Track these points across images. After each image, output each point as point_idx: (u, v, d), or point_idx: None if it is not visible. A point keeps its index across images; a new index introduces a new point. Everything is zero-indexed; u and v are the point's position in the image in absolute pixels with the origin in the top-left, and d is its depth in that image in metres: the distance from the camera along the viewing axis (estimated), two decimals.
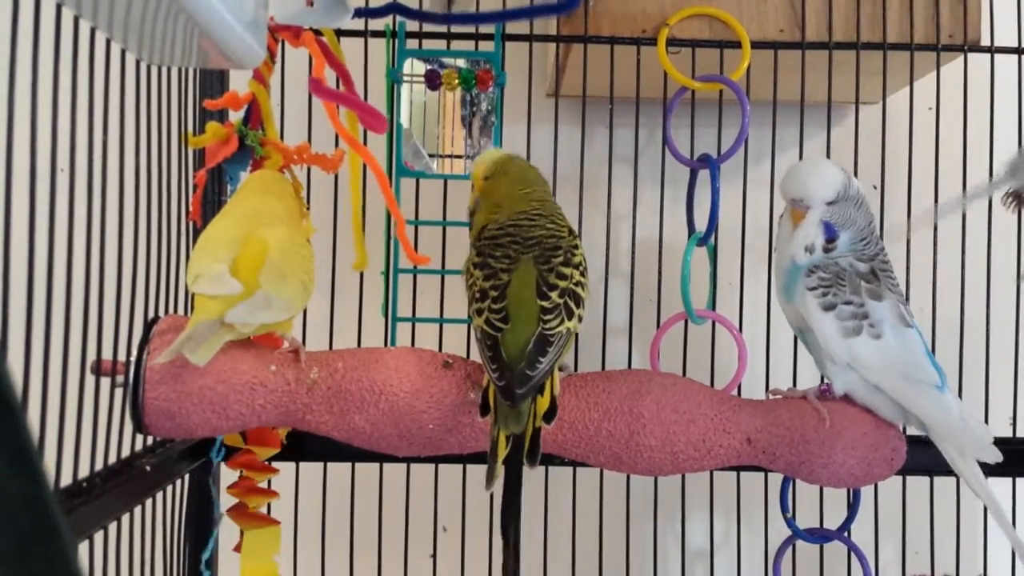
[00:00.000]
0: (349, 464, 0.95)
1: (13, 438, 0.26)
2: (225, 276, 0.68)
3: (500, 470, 0.69)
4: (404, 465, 0.96)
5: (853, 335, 0.77)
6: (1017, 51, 0.98)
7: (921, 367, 0.77)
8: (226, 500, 0.88)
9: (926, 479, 0.95)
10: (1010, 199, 0.90)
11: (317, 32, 0.81)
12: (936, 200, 0.96)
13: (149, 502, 0.77)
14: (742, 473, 0.97)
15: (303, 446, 0.90)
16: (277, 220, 0.74)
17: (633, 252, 0.97)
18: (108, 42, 0.67)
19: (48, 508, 0.27)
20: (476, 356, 0.76)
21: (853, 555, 0.93)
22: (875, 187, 0.97)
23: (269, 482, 0.89)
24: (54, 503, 0.27)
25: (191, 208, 0.84)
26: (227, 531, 0.90)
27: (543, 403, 0.71)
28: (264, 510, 0.89)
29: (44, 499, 0.27)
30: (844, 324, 0.78)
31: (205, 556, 0.87)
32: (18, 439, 0.26)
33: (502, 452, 0.69)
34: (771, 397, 0.83)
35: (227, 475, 0.91)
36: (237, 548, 0.88)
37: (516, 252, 0.76)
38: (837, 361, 0.78)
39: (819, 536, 0.93)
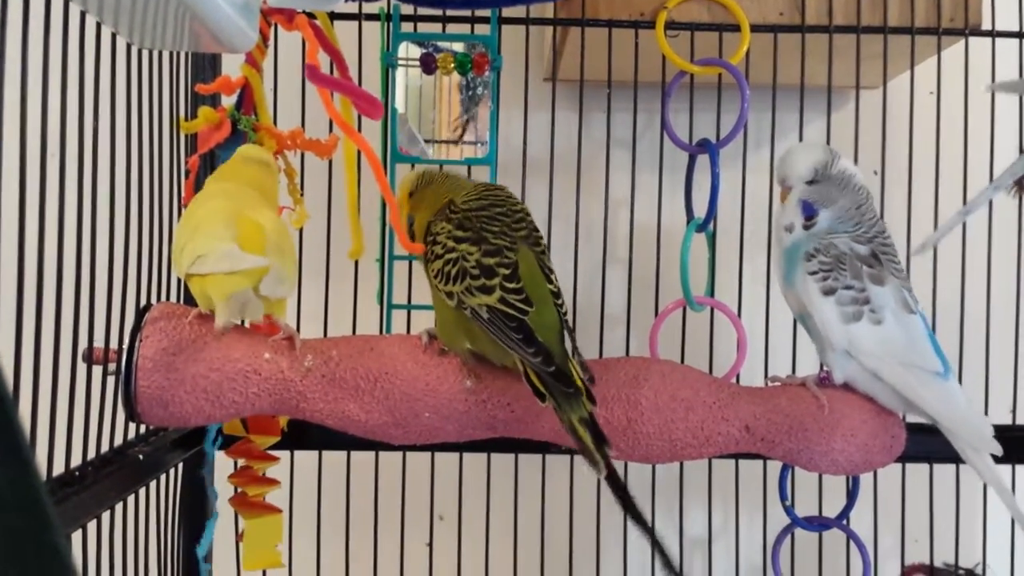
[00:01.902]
0: (345, 453, 0.95)
1: (3, 429, 0.26)
2: (239, 252, 0.67)
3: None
4: (400, 454, 0.95)
5: (853, 320, 0.76)
6: (1018, 35, 0.97)
7: (922, 354, 0.76)
8: (225, 489, 0.88)
9: (925, 466, 0.95)
10: (1012, 186, 0.90)
11: (310, 15, 0.80)
12: (936, 185, 0.95)
13: (142, 491, 0.77)
14: (740, 461, 0.97)
15: (299, 435, 0.90)
16: (259, 203, 0.74)
17: (631, 238, 0.96)
18: (99, 26, 0.67)
19: (39, 501, 0.27)
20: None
21: (852, 543, 0.93)
22: (875, 172, 0.96)
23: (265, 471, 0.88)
24: (45, 496, 0.27)
25: (184, 193, 0.83)
26: (223, 521, 0.89)
27: (577, 377, 0.69)
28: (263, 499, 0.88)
29: (35, 492, 0.27)
30: (844, 309, 0.77)
31: (202, 552, 0.86)
32: (8, 432, 0.26)
33: (586, 437, 0.66)
34: (770, 384, 0.82)
35: (222, 466, 0.90)
36: (240, 538, 0.87)
37: (512, 231, 0.74)
38: (836, 347, 0.77)
39: (818, 524, 0.93)
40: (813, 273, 0.78)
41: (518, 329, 0.68)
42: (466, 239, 0.73)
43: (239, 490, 0.86)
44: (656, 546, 0.69)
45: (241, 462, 0.87)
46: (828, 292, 0.77)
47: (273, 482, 0.87)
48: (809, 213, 0.80)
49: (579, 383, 0.68)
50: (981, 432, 0.76)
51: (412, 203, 0.80)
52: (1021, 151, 0.95)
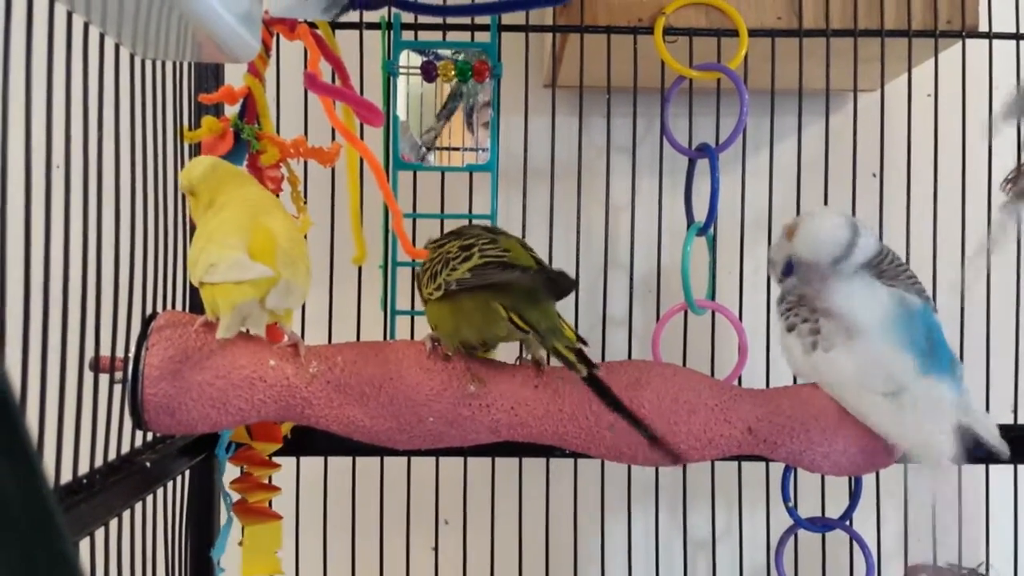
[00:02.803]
0: (350, 458, 0.95)
1: (11, 438, 0.26)
2: (247, 261, 0.67)
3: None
4: (405, 458, 0.96)
5: (812, 350, 0.79)
6: (1015, 37, 0.98)
7: (871, 377, 0.76)
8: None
9: None
10: (1008, 185, 0.90)
11: (312, 24, 0.80)
12: (936, 186, 0.96)
13: (150, 498, 0.77)
14: (743, 463, 0.97)
15: (304, 440, 0.90)
16: (273, 207, 0.74)
17: (632, 243, 0.96)
18: (102, 37, 0.67)
19: (48, 508, 0.27)
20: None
21: (855, 544, 0.93)
22: (874, 175, 0.97)
23: (270, 477, 0.89)
24: (54, 503, 0.27)
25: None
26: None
27: (568, 331, 0.71)
28: (266, 505, 0.88)
29: (44, 499, 0.27)
30: (803, 341, 0.79)
31: (219, 554, 0.86)
32: (16, 439, 0.26)
33: (571, 355, 0.68)
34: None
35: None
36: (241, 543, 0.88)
37: (490, 232, 0.76)
38: (804, 378, 0.80)
39: (821, 525, 0.93)
40: (781, 315, 0.83)
41: (496, 266, 0.70)
42: (447, 241, 0.76)
43: (240, 496, 0.87)
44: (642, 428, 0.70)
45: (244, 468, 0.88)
46: (790, 329, 0.81)
47: (274, 488, 0.88)
48: (786, 272, 0.84)
49: (573, 336, 0.70)
50: (929, 447, 0.74)
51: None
52: (1018, 152, 0.95)
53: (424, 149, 0.99)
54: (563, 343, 0.69)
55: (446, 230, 0.95)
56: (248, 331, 0.73)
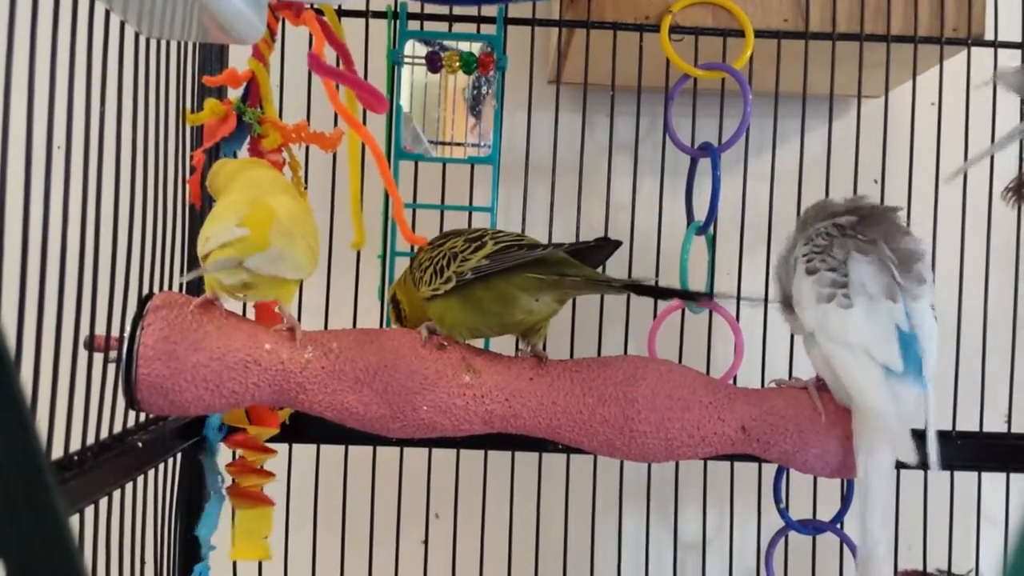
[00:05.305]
0: (342, 447, 0.95)
1: (2, 394, 0.26)
2: (233, 228, 0.68)
3: None
4: (397, 450, 0.96)
5: (824, 301, 0.75)
6: (1020, 46, 0.98)
7: (880, 344, 0.73)
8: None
9: (920, 473, 0.95)
10: (1009, 194, 0.90)
11: (318, 11, 0.80)
12: (936, 195, 0.95)
13: (141, 479, 0.77)
14: (736, 464, 0.97)
15: (297, 428, 0.90)
16: (279, 190, 0.74)
17: (632, 240, 0.96)
18: (107, 14, 0.67)
19: (37, 466, 0.27)
20: None
21: (846, 547, 0.93)
22: (876, 181, 0.97)
23: (262, 464, 0.88)
24: (44, 460, 0.27)
25: (190, 190, 0.84)
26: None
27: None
28: (259, 490, 0.88)
29: (33, 456, 0.27)
30: (821, 290, 0.75)
31: (206, 534, 0.86)
32: (7, 396, 0.26)
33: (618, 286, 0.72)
34: (772, 386, 0.82)
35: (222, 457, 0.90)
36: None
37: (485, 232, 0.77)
38: (806, 327, 0.77)
39: (812, 528, 0.93)
40: (805, 255, 0.78)
41: (520, 247, 0.72)
42: (445, 239, 0.77)
43: (234, 480, 0.87)
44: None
45: (239, 452, 0.88)
46: (811, 272, 0.77)
47: (268, 474, 0.88)
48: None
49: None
50: (896, 437, 0.71)
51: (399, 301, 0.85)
52: (1020, 162, 0.95)
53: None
54: (609, 280, 0.72)
55: (446, 221, 0.96)
56: (223, 284, 0.73)
